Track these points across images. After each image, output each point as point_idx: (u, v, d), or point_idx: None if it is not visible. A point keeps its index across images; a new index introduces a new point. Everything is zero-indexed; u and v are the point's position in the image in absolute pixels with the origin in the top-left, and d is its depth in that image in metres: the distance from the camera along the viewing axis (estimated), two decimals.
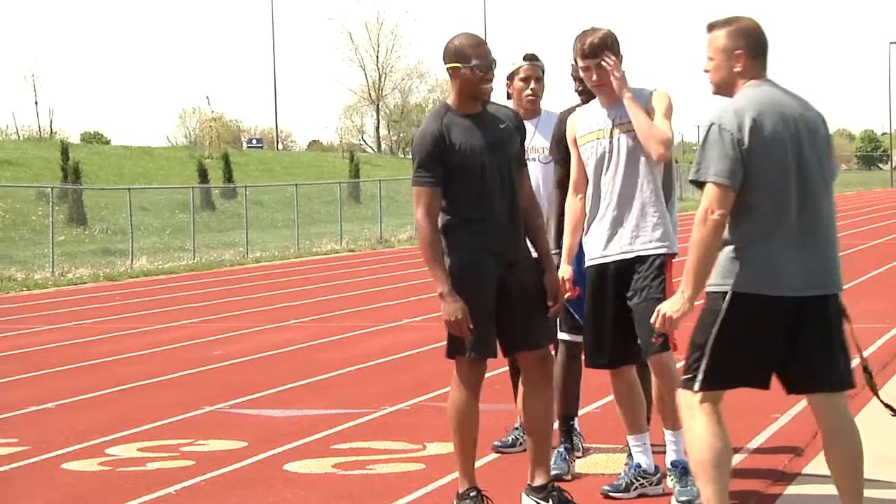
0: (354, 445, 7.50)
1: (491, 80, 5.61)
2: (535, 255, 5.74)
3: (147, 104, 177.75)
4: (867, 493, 5.35)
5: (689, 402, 4.86)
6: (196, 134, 76.19)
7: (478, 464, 6.82)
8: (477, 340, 5.60)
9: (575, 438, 6.69)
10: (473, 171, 5.55)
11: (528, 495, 5.77)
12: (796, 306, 4.82)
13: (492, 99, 5.78)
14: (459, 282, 5.54)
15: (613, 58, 5.81)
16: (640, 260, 5.86)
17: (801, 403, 8.43)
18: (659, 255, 5.87)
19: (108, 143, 70.81)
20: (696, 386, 4.79)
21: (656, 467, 6.08)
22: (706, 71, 4.87)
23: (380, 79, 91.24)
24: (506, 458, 7.02)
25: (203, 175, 42.73)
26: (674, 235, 6.01)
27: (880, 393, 5.30)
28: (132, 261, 26.69)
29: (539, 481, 5.75)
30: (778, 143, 4.71)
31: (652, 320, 4.90)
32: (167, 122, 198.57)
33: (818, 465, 6.69)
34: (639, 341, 5.86)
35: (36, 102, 73.43)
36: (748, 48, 4.78)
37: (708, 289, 4.80)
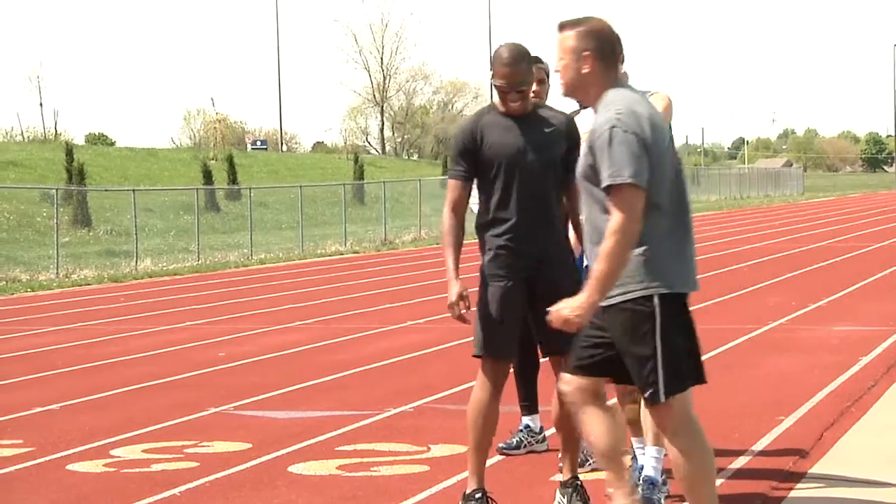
0: (359, 447, 7.50)
1: (520, 98, 5.59)
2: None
3: (151, 106, 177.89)
4: (879, 494, 5.34)
5: (677, 419, 4.73)
6: (200, 135, 76.23)
7: None
8: (496, 341, 5.66)
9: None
10: (506, 170, 5.61)
11: (558, 490, 5.87)
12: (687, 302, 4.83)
13: (547, 101, 5.84)
14: (485, 281, 5.68)
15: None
16: None
17: (806, 406, 8.45)
18: None
19: (112, 144, 70.89)
20: (662, 398, 4.68)
21: (663, 470, 6.07)
22: (557, 71, 4.82)
23: (384, 80, 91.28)
24: (510, 460, 7.02)
25: (207, 176, 42.77)
26: None
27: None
28: (136, 262, 26.70)
29: (565, 476, 5.82)
30: (664, 142, 4.73)
31: (549, 318, 4.69)
32: (172, 124, 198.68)
33: (823, 466, 6.70)
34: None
35: (41, 104, 73.60)
36: (596, 49, 4.72)
37: (628, 296, 4.66)
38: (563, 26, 4.79)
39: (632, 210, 4.56)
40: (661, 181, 4.67)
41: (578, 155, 5.53)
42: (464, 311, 5.61)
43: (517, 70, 5.55)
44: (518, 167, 5.60)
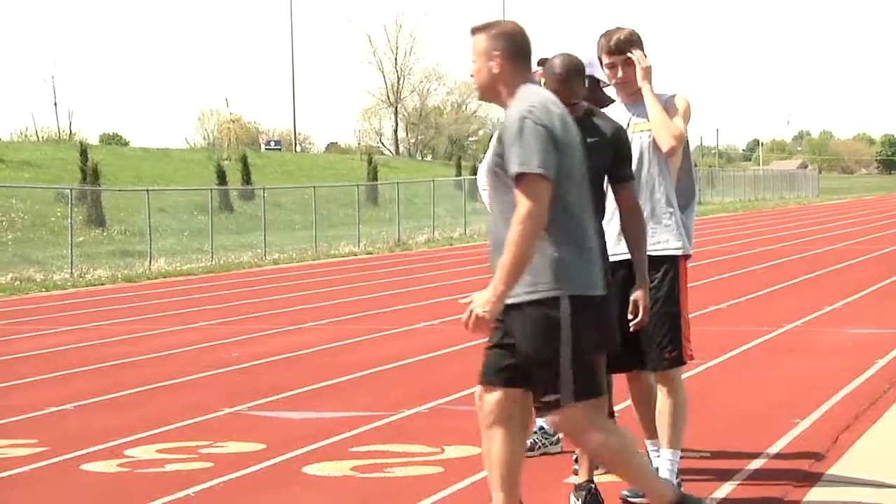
0: (373, 448, 7.49)
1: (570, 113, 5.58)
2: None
3: (166, 106, 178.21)
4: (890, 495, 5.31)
5: (578, 425, 4.72)
6: (214, 136, 76.33)
7: None
8: None
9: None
10: None
11: (572, 493, 5.87)
12: (603, 303, 4.83)
13: (603, 109, 5.83)
14: None
15: (640, 51, 5.81)
16: (652, 263, 5.81)
17: (822, 409, 8.41)
18: (670, 256, 5.84)
19: (126, 144, 71.03)
20: (571, 400, 4.65)
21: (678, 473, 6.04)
22: (472, 75, 4.85)
23: (398, 81, 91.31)
24: (524, 462, 6.96)
25: (221, 177, 42.83)
26: (686, 237, 5.97)
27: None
28: (150, 262, 26.75)
29: (579, 479, 5.82)
30: (575, 142, 4.76)
31: (464, 319, 4.61)
32: (186, 124, 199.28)
33: (839, 469, 6.67)
34: (648, 350, 5.82)
35: (55, 104, 73.71)
36: (506, 50, 4.76)
37: (534, 296, 4.64)
38: (474, 30, 4.84)
39: (539, 199, 4.57)
40: (569, 180, 4.70)
41: (624, 167, 5.56)
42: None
43: (569, 85, 5.50)
44: None
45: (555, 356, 4.63)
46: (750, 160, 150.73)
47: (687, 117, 5.85)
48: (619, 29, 5.86)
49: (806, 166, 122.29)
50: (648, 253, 5.79)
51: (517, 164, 4.60)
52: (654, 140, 5.81)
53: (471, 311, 4.62)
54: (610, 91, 6.58)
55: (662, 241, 5.84)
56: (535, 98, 4.73)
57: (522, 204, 4.57)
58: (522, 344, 4.67)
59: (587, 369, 4.68)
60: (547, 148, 4.61)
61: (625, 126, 5.84)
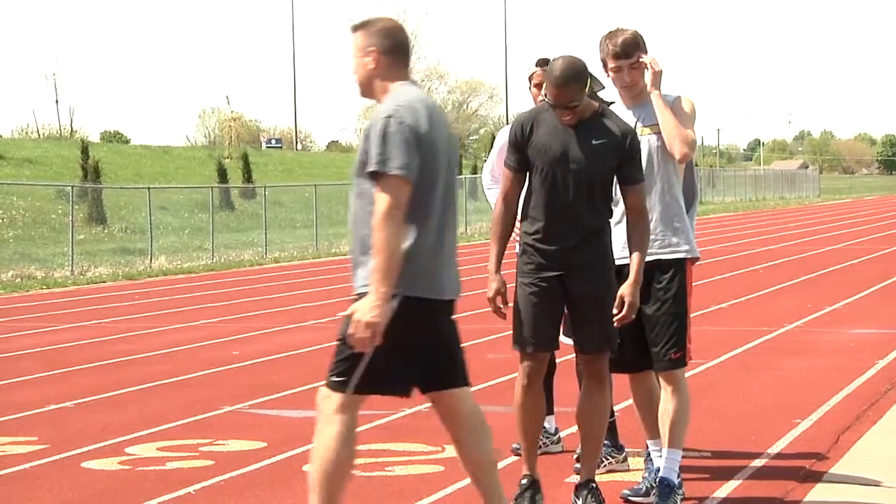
0: (373, 447, 7.49)
1: (570, 114, 5.52)
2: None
3: (167, 104, 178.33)
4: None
5: (333, 405, 4.78)
6: (215, 133, 76.36)
7: (497, 467, 6.82)
8: (523, 335, 5.69)
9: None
10: (541, 173, 5.62)
11: (574, 492, 5.88)
12: (445, 308, 4.82)
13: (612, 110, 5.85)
14: (517, 274, 5.71)
15: (649, 55, 5.79)
16: (660, 266, 5.82)
17: (823, 409, 8.41)
18: (678, 259, 5.85)
19: (127, 142, 71.04)
20: (350, 389, 4.70)
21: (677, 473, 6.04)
22: (353, 73, 4.87)
23: None
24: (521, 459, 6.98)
25: (222, 175, 42.80)
26: (694, 239, 5.98)
27: None
28: (151, 260, 26.75)
29: (581, 478, 5.83)
30: (439, 143, 4.74)
31: (352, 332, 4.60)
32: (187, 122, 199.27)
33: (840, 469, 6.67)
34: (653, 350, 5.83)
35: (56, 101, 73.56)
36: (382, 46, 4.80)
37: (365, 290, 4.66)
38: (353, 28, 4.88)
39: (397, 199, 4.58)
40: (431, 182, 4.70)
41: (633, 169, 5.55)
42: (501, 306, 5.64)
43: (566, 91, 5.49)
44: (554, 173, 5.58)
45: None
46: (751, 160, 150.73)
47: (694, 119, 5.84)
48: (622, 31, 5.83)
49: (807, 166, 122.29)
50: (658, 256, 5.80)
51: (375, 163, 4.61)
52: (662, 142, 5.80)
53: (359, 322, 4.60)
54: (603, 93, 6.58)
55: (672, 244, 5.84)
56: (403, 97, 4.74)
57: (381, 204, 4.59)
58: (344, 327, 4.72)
59: (384, 368, 4.70)
60: (409, 149, 4.62)
61: (633, 128, 5.83)
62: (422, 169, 4.66)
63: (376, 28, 4.82)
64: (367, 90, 4.87)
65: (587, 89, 5.57)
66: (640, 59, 5.76)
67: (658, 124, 5.81)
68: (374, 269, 4.59)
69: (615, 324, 5.60)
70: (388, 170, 4.59)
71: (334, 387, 4.77)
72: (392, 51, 4.81)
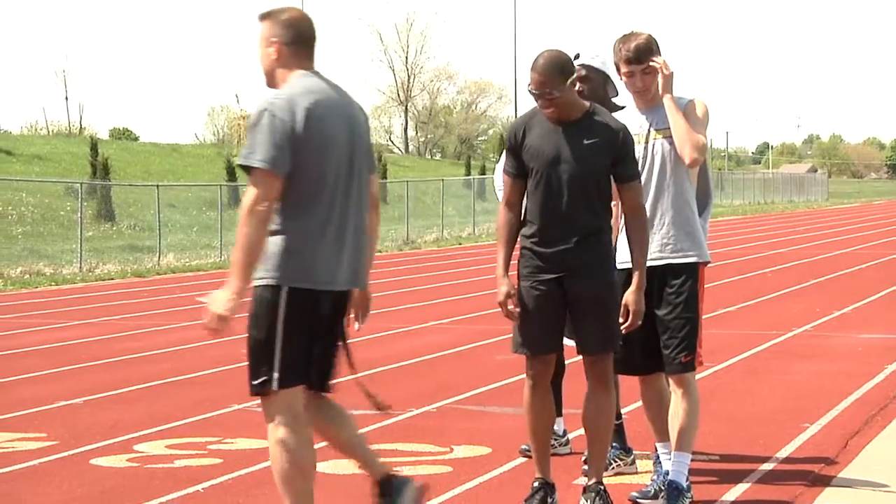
0: (381, 447, 7.47)
1: (549, 105, 5.53)
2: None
3: (175, 101, 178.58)
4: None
5: (276, 409, 4.76)
6: (224, 132, 76.42)
7: (504, 468, 6.83)
8: (523, 338, 5.71)
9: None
10: (535, 175, 5.63)
11: (582, 495, 5.87)
12: (335, 300, 4.82)
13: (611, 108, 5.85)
14: (521, 280, 5.71)
15: (662, 57, 5.79)
16: (672, 270, 5.82)
17: (831, 413, 8.40)
18: (690, 263, 5.85)
19: (136, 139, 71.10)
20: (275, 385, 4.71)
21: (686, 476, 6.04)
22: (259, 63, 4.90)
23: (408, 80, 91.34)
24: (532, 463, 6.97)
25: (231, 173, 42.79)
26: (705, 243, 5.98)
27: None
28: (160, 257, 26.77)
29: (588, 481, 5.82)
30: (331, 134, 4.74)
31: (205, 321, 4.67)
32: (195, 120, 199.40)
33: (849, 473, 6.66)
34: (664, 353, 5.83)
35: (66, 98, 73.82)
36: (284, 37, 4.82)
37: (258, 281, 4.71)
38: (259, 18, 4.91)
39: (262, 193, 4.60)
40: (319, 175, 4.69)
41: (627, 167, 5.55)
42: (512, 308, 5.66)
43: (544, 79, 5.51)
44: (548, 175, 5.59)
45: (269, 341, 4.70)
46: (759, 163, 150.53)
47: (706, 123, 5.83)
48: (636, 35, 5.82)
49: (816, 170, 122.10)
50: (670, 260, 5.80)
51: (241, 156, 4.67)
52: (674, 146, 5.80)
53: (212, 313, 4.66)
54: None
55: (685, 248, 5.84)
56: (292, 88, 4.75)
57: (247, 197, 4.64)
58: (248, 324, 4.78)
59: (295, 359, 4.73)
60: (278, 143, 4.64)
61: (645, 133, 5.83)
62: (304, 163, 4.66)
63: (281, 19, 4.85)
64: (271, 80, 4.88)
65: (587, 88, 5.57)
66: (652, 64, 5.75)
67: (668, 128, 5.80)
68: (232, 262, 4.66)
69: (623, 331, 5.59)
70: (252, 163, 4.63)
71: (258, 390, 4.78)
72: (294, 41, 4.84)
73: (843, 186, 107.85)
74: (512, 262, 5.74)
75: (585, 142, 5.55)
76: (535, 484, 5.82)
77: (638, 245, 5.62)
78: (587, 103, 5.66)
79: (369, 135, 4.99)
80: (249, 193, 4.62)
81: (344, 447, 5.08)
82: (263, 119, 4.66)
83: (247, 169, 4.65)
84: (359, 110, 4.94)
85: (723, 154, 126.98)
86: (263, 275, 4.70)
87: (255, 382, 4.76)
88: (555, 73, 5.51)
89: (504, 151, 5.82)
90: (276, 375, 4.71)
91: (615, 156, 5.57)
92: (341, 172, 4.76)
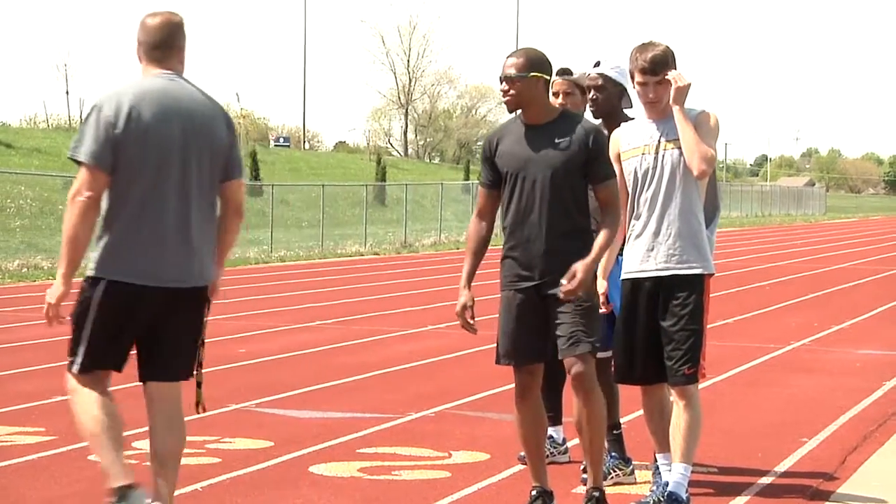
0: (380, 450, 7.49)
1: (505, 94, 5.60)
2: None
3: None
4: None
5: (73, 385, 5.13)
6: None
7: (502, 475, 6.83)
8: (504, 347, 5.74)
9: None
10: (510, 180, 5.64)
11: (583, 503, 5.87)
12: (166, 296, 5.03)
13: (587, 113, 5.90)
14: (502, 289, 5.73)
15: (677, 70, 5.79)
16: (678, 281, 5.82)
17: (831, 427, 8.40)
18: (696, 275, 5.85)
19: None
20: (76, 368, 5.07)
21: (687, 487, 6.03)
22: None
23: (409, 83, 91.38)
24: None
25: None
26: (710, 255, 5.98)
27: None
28: None
29: (587, 488, 5.81)
30: (155, 134, 4.92)
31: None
32: None
33: (847, 489, 6.66)
34: (667, 364, 5.83)
35: (67, 92, 73.67)
36: (142, 40, 5.14)
37: (87, 273, 5.06)
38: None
39: (84, 185, 4.91)
40: (140, 171, 4.92)
41: (600, 167, 5.57)
42: (470, 321, 5.68)
43: (505, 63, 5.60)
44: (522, 179, 5.60)
45: (81, 328, 5.06)
46: (757, 175, 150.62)
47: (716, 135, 5.83)
48: (653, 45, 5.82)
49: (813, 184, 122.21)
50: (676, 271, 5.80)
51: (71, 148, 4.99)
52: (684, 157, 5.80)
53: (47, 302, 5.06)
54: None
55: (691, 260, 5.84)
56: (124, 87, 5.03)
57: (72, 188, 4.93)
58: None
59: (100, 349, 5.06)
60: (100, 138, 4.92)
61: (655, 143, 5.83)
62: (125, 160, 4.91)
63: (147, 23, 5.15)
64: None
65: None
66: (667, 77, 5.75)
67: (678, 139, 5.80)
68: (62, 249, 4.99)
69: (561, 296, 5.51)
70: (77, 156, 4.96)
71: (68, 367, 5.16)
72: (153, 45, 5.11)
73: (841, 201, 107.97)
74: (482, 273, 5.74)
75: (557, 141, 5.56)
76: (533, 493, 5.81)
77: (606, 232, 5.56)
78: (558, 106, 5.69)
79: (228, 140, 5.11)
80: (73, 186, 4.93)
81: (153, 456, 5.24)
82: (92, 114, 4.97)
83: (76, 161, 4.97)
84: (213, 116, 5.10)
85: (721, 165, 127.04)
86: (90, 266, 5.05)
87: (68, 360, 5.13)
88: (524, 61, 5.57)
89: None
90: (79, 360, 5.08)
91: (588, 156, 5.55)
92: (170, 172, 4.96)
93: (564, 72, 6.77)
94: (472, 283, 5.77)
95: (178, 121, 4.96)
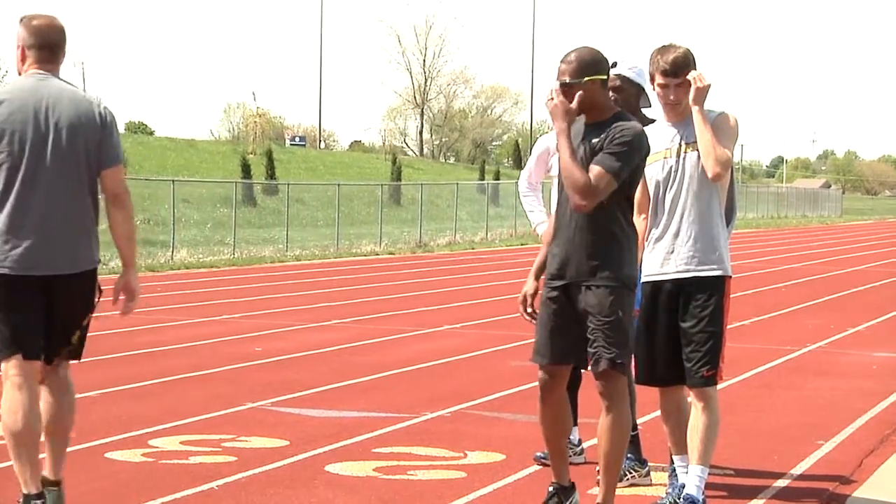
0: (395, 450, 7.49)
1: (560, 93, 5.53)
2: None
3: (192, 97, 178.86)
4: None
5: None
6: (240, 129, 76.52)
7: (518, 475, 6.83)
8: (535, 346, 5.71)
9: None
10: (560, 179, 5.65)
11: None
12: (40, 283, 5.38)
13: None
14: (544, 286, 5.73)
15: (697, 71, 5.77)
16: (698, 283, 5.81)
17: (847, 430, 8.38)
18: (715, 277, 5.84)
19: (151, 133, 71.23)
20: None
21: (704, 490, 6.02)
22: None
23: (425, 82, 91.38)
24: (546, 470, 6.94)
25: (246, 170, 42.92)
26: (728, 257, 5.96)
27: None
28: (173, 252, 26.82)
29: (598, 497, 5.77)
30: (13, 129, 5.30)
31: None
32: (211, 116, 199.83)
33: (864, 492, 6.64)
34: (686, 365, 5.83)
35: (84, 90, 73.85)
36: (26, 41, 5.45)
37: None
38: (19, 22, 5.56)
39: None
40: (6, 164, 5.29)
41: (607, 149, 5.46)
42: (528, 309, 5.70)
43: (559, 69, 5.53)
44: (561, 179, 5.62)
45: None
46: (773, 177, 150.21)
47: (734, 138, 5.82)
48: (674, 47, 5.80)
49: (830, 186, 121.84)
50: (696, 273, 5.78)
51: None
52: None
53: None
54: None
55: (711, 262, 5.82)
56: (4, 87, 5.51)
57: None
58: None
59: (6, 334, 5.33)
60: None
61: (676, 146, 5.82)
62: (8, 154, 5.29)
63: (27, 24, 5.45)
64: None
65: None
66: (688, 78, 5.74)
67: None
68: None
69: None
70: None
71: None
72: (34, 46, 5.43)
73: (857, 203, 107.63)
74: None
75: (594, 141, 5.50)
76: (550, 489, 5.80)
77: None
78: (616, 108, 5.62)
79: (100, 134, 5.43)
80: None
81: (46, 431, 5.49)
82: None
83: None
84: (83, 111, 5.40)
85: (737, 167, 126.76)
86: None
87: None
88: (576, 66, 5.45)
89: (534, 155, 5.82)
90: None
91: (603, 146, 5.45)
92: (30, 165, 5.31)
93: (612, 65, 6.75)
94: (539, 275, 5.77)
95: (33, 116, 5.31)
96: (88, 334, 5.79)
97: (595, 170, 5.36)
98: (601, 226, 5.49)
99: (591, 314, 5.48)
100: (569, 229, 5.55)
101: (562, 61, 5.52)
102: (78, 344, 5.62)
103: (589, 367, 5.56)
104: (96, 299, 5.68)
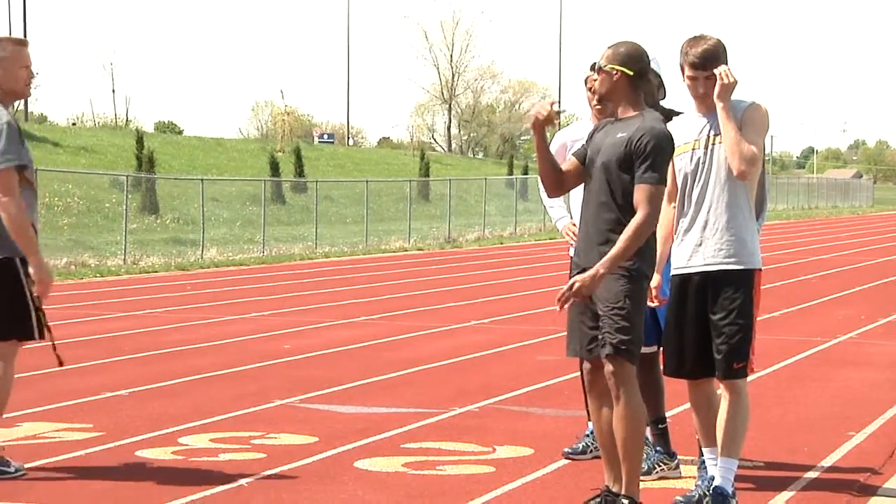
0: (424, 445, 7.51)
1: (594, 92, 5.65)
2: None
3: (220, 95, 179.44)
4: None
5: None
6: (268, 127, 76.71)
7: (546, 469, 6.83)
8: (568, 339, 5.73)
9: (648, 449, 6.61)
10: (586, 169, 5.67)
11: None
12: None
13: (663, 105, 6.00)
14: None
15: (726, 66, 5.73)
16: (728, 276, 5.78)
17: (878, 421, 8.33)
18: (746, 270, 5.80)
19: (181, 132, 71.51)
20: None
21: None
22: None
23: (453, 78, 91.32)
24: (576, 465, 6.99)
25: (274, 168, 43.00)
26: (758, 249, 5.93)
27: None
28: (203, 251, 26.93)
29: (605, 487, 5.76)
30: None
31: None
32: (239, 115, 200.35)
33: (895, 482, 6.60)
34: (716, 358, 5.81)
35: (113, 91, 74.40)
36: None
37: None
38: (14, 43, 6.47)
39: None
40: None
41: (641, 165, 5.46)
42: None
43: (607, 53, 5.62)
44: (588, 168, 5.65)
45: None
46: (804, 168, 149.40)
47: (764, 131, 5.77)
48: (705, 39, 5.75)
49: (861, 176, 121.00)
50: (725, 266, 5.76)
51: None
52: None
53: None
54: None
55: (740, 254, 5.79)
56: None
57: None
58: None
59: None
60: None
61: (705, 137, 5.79)
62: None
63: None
64: None
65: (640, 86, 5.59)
66: (715, 72, 5.70)
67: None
68: None
69: (558, 304, 5.47)
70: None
71: None
72: None
73: (889, 193, 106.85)
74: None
75: (618, 136, 5.54)
76: (598, 494, 5.77)
77: (621, 241, 5.44)
78: (644, 105, 5.62)
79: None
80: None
81: None
82: None
83: None
84: None
85: (767, 158, 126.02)
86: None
87: None
88: (611, 53, 5.58)
89: (552, 148, 5.81)
90: None
91: (628, 152, 5.46)
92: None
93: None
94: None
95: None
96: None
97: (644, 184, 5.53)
98: (614, 214, 5.53)
99: (601, 301, 5.51)
100: (589, 218, 5.59)
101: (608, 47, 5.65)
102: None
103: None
104: None
